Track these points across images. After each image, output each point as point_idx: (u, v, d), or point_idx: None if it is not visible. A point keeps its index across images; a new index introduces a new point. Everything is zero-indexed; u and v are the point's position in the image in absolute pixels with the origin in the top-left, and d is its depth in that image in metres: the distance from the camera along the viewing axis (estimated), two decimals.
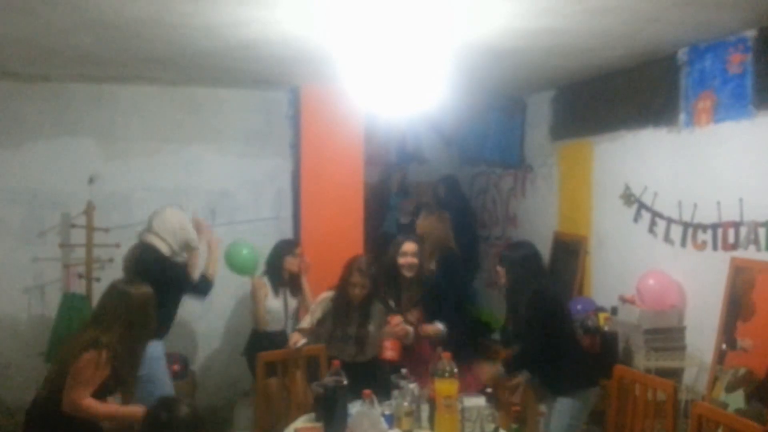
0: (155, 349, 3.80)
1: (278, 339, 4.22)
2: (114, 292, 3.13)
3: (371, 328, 3.71)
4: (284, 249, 4.55)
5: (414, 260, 3.93)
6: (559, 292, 3.72)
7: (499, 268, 3.55)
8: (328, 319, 3.76)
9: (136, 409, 3.01)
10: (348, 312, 3.71)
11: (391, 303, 3.88)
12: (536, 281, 3.42)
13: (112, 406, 3.04)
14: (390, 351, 3.60)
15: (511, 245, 3.67)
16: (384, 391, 3.10)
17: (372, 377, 3.34)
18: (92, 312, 3.25)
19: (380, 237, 5.81)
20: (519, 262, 3.46)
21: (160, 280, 3.70)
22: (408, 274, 3.93)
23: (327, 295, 3.83)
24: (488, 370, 3.47)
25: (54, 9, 3.00)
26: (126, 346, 3.02)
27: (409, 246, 3.94)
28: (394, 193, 6.59)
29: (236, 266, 4.59)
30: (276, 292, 4.46)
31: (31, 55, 4.03)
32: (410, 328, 3.74)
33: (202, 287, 4.03)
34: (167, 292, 3.84)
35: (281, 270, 4.48)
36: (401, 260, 3.92)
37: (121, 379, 3.05)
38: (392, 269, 3.94)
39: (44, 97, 4.91)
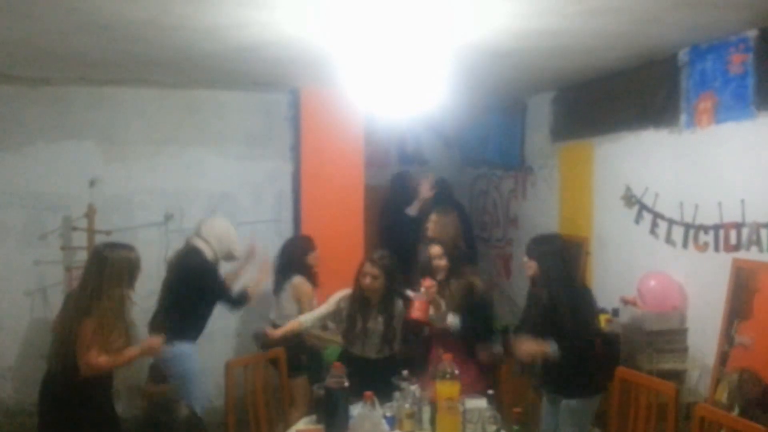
0: (188, 347, 3.92)
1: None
2: (94, 256, 3.24)
3: (395, 323, 3.70)
4: (308, 245, 4.55)
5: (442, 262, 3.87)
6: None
7: (526, 260, 3.46)
8: (345, 315, 3.74)
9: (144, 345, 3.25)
10: (367, 307, 3.69)
11: (410, 294, 3.83)
12: (570, 274, 3.35)
13: (124, 353, 3.18)
14: (418, 311, 3.59)
15: (539, 237, 3.58)
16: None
17: (393, 373, 3.29)
18: (81, 276, 3.35)
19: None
20: (555, 254, 3.38)
21: (198, 286, 3.93)
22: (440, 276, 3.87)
23: (341, 293, 3.80)
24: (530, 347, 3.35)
25: (54, 12, 3.00)
26: (113, 306, 3.13)
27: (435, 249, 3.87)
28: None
29: None
30: None
31: (32, 58, 4.04)
32: (441, 300, 3.74)
33: (239, 300, 4.16)
34: (202, 298, 4.00)
35: (306, 266, 4.46)
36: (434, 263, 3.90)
37: (120, 335, 3.17)
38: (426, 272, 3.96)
39: (45, 100, 4.92)
